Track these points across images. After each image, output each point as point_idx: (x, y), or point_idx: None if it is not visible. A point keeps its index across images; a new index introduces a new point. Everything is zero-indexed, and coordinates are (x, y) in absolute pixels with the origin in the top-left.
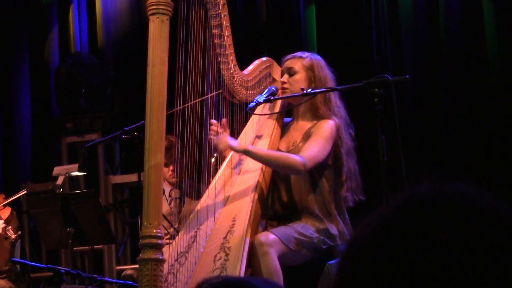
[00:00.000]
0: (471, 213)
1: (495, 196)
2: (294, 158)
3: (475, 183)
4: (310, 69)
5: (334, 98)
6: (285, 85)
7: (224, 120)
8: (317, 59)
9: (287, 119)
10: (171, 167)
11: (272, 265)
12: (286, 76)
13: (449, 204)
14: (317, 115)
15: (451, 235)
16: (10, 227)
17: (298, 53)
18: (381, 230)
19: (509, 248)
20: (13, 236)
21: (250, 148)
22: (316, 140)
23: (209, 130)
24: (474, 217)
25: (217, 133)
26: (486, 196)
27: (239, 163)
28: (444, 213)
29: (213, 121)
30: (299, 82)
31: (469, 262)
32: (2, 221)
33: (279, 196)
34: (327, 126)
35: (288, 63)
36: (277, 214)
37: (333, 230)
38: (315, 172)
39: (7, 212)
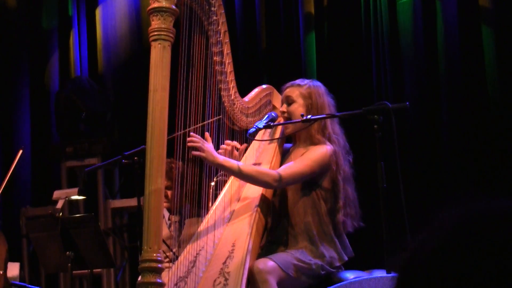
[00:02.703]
0: None
1: None
2: (267, 174)
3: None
4: (308, 96)
5: (331, 125)
6: (285, 115)
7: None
8: (316, 85)
9: (288, 145)
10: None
11: None
12: (284, 105)
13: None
14: (313, 142)
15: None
16: None
17: (297, 81)
18: (444, 248)
19: None
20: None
21: (224, 163)
22: (301, 160)
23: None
24: None
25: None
26: None
27: (239, 188)
28: (504, 226)
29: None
30: (297, 110)
31: None
32: None
33: (279, 219)
34: (319, 150)
35: (286, 92)
36: (277, 238)
37: (331, 253)
38: (314, 194)
39: None
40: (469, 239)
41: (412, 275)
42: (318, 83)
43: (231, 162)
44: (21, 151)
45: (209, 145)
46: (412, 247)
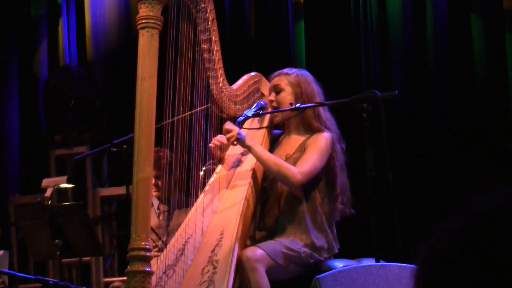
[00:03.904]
0: None
1: None
2: (292, 170)
3: (462, 197)
4: (297, 85)
5: (324, 112)
6: (273, 104)
7: None
8: (304, 74)
9: (276, 131)
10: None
11: (261, 280)
12: (273, 94)
13: None
14: (310, 129)
15: None
16: None
17: (285, 70)
18: (477, 234)
19: None
20: None
21: (255, 146)
22: (311, 154)
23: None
24: None
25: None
26: None
27: (228, 176)
28: None
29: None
30: (286, 99)
31: None
32: None
33: (270, 207)
34: (323, 139)
35: (274, 81)
36: (267, 225)
37: (322, 242)
38: (308, 183)
39: None
40: (503, 226)
41: (439, 263)
42: (306, 72)
43: (260, 148)
44: None
45: (238, 129)
46: (437, 234)
